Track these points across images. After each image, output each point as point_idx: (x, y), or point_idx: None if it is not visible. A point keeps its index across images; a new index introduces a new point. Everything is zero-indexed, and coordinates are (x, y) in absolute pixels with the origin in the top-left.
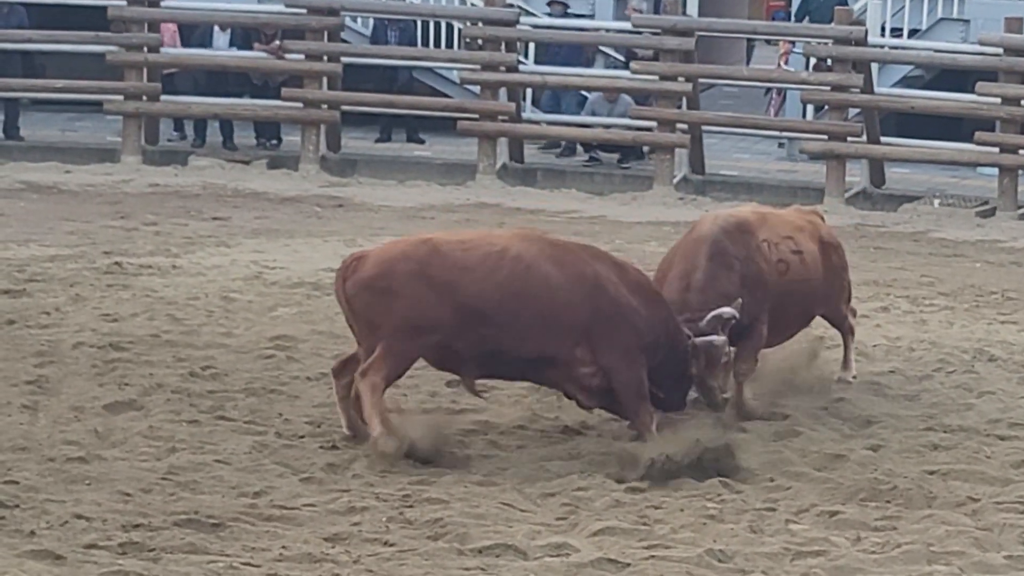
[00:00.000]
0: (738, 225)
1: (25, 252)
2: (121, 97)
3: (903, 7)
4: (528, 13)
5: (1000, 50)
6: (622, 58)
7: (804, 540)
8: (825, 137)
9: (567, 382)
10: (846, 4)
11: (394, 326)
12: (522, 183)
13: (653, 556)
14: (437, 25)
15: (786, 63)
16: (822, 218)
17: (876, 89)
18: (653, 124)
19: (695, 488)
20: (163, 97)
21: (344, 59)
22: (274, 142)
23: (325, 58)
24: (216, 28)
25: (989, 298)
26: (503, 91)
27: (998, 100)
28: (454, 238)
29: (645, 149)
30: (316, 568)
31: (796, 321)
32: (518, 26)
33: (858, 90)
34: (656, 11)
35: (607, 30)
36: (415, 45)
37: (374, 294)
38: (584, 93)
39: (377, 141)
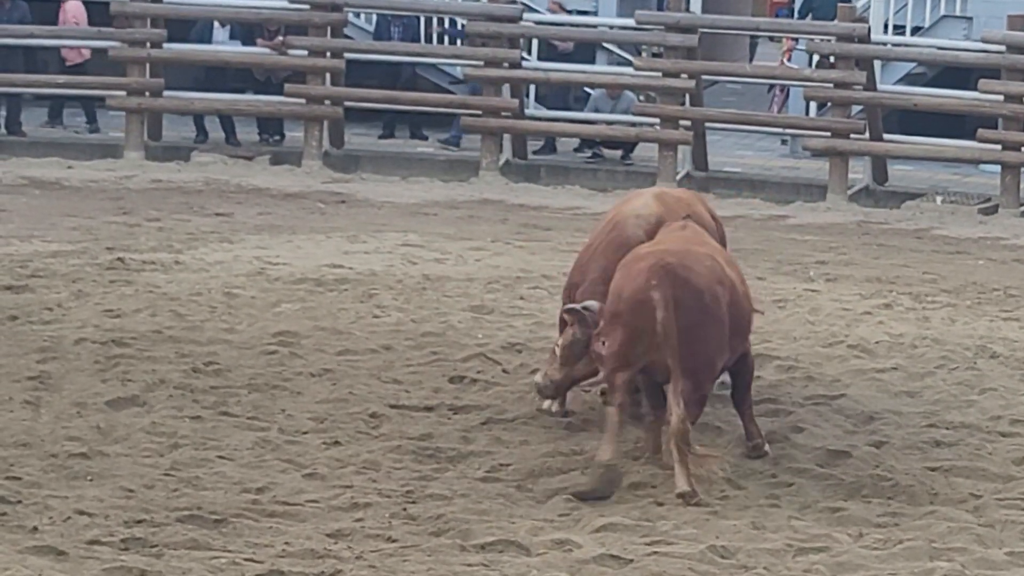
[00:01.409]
0: (658, 224)
1: (27, 248)
2: (124, 93)
3: (906, 4)
4: (531, 10)
5: (1003, 47)
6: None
7: (806, 536)
8: (828, 134)
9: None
10: (849, 1)
11: (713, 342)
12: (525, 179)
13: (656, 552)
14: (440, 21)
15: (789, 60)
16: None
17: (879, 86)
18: (656, 121)
19: (697, 484)
20: (166, 93)
21: (347, 55)
22: (277, 138)
23: (328, 54)
24: (216, 24)
25: (991, 295)
26: (506, 87)
27: (1001, 97)
28: (679, 245)
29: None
30: (318, 564)
31: None
32: (521, 23)
33: (861, 87)
34: (660, 8)
35: (610, 27)
36: (418, 41)
37: (704, 308)
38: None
39: (380, 137)
